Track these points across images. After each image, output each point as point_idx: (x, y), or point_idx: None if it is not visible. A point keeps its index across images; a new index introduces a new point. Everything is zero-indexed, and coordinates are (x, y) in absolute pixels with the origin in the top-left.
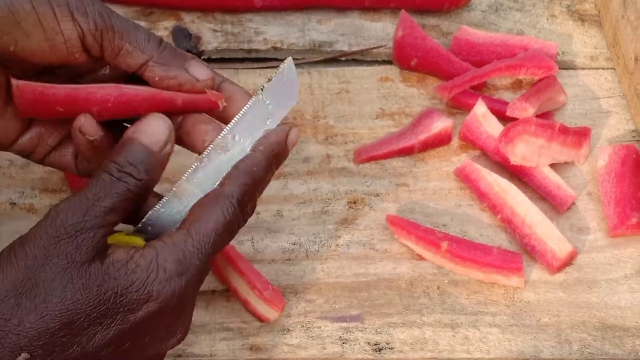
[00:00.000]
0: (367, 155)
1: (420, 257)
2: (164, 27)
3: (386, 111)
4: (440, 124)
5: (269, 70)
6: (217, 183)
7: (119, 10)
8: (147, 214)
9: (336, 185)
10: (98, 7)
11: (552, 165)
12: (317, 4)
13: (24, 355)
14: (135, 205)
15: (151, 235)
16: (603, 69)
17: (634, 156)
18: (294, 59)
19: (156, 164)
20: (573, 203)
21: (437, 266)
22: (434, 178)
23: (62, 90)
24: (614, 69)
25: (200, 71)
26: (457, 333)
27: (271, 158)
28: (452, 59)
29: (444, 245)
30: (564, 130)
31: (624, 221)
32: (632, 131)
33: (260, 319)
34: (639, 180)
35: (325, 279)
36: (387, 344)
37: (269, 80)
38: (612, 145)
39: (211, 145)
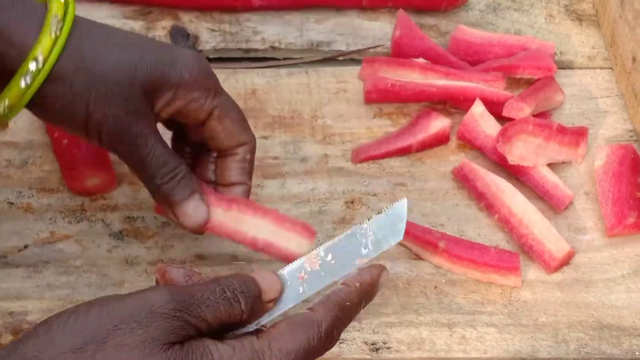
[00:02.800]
0: (364, 155)
1: (418, 257)
2: (161, 27)
3: (384, 111)
4: (438, 123)
5: (267, 69)
6: (299, 296)
7: (118, 10)
8: None
9: (334, 185)
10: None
11: (550, 165)
12: (315, 4)
13: None
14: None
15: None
16: (601, 68)
17: (632, 156)
18: (290, 58)
19: (257, 308)
20: (570, 203)
21: (435, 266)
22: (431, 178)
23: None
24: (612, 69)
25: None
26: (454, 333)
27: (363, 295)
28: (450, 58)
29: (442, 244)
30: (562, 130)
31: (621, 221)
32: (630, 131)
33: (287, 258)
34: (636, 179)
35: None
36: (384, 343)
37: (379, 212)
38: (610, 145)
39: (303, 258)
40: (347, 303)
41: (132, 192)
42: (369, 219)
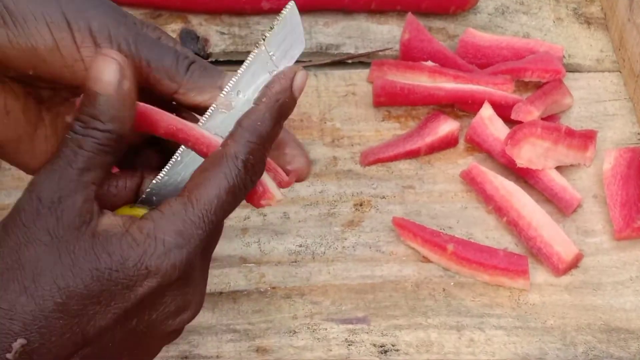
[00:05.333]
0: (373, 158)
1: (426, 260)
2: (171, 30)
3: (392, 114)
4: (447, 126)
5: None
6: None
7: None
8: (150, 184)
9: (342, 187)
10: (123, 31)
11: (558, 168)
12: (324, 7)
13: (20, 341)
14: (116, 157)
15: (156, 205)
16: (609, 71)
17: None
18: (299, 61)
19: (119, 107)
20: (579, 206)
21: (443, 268)
22: (440, 180)
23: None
24: (620, 72)
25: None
26: (462, 335)
27: (276, 110)
28: (459, 61)
29: (450, 247)
30: (570, 133)
31: (630, 224)
32: (638, 134)
33: (260, 199)
34: None
35: (332, 281)
36: (393, 346)
37: (271, 28)
38: (618, 148)
39: (213, 105)
40: (259, 123)
41: None
42: (263, 39)
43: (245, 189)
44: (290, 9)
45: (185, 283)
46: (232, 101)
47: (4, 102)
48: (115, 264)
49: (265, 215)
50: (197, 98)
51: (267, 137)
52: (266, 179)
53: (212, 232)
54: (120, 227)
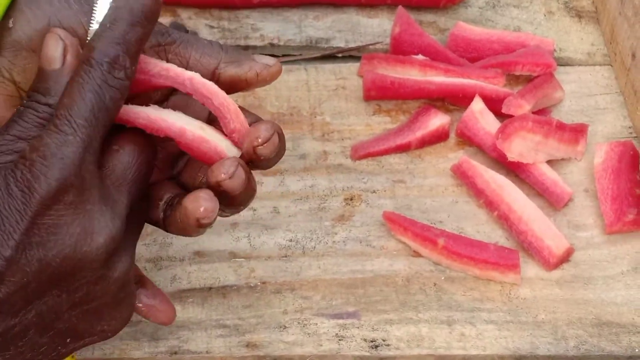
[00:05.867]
0: (364, 152)
1: (417, 254)
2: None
3: (383, 108)
4: (437, 120)
5: None
6: None
7: None
8: None
9: (333, 181)
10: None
11: (549, 162)
12: (314, 1)
13: None
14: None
15: None
16: (600, 65)
17: (631, 153)
18: (289, 55)
19: (60, 81)
20: (570, 200)
21: (434, 263)
22: (430, 175)
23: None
24: (611, 66)
25: (266, 58)
26: (453, 330)
27: (130, 9)
28: (449, 55)
29: (441, 241)
30: (561, 127)
31: (621, 218)
32: (629, 128)
33: (212, 159)
34: (635, 176)
35: (322, 276)
36: (384, 340)
37: None
38: (609, 142)
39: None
40: (108, 25)
41: None
42: None
43: (114, 89)
44: None
45: (82, 199)
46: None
47: None
48: (19, 175)
49: (255, 210)
50: (239, 69)
51: (124, 37)
52: (216, 138)
53: (98, 130)
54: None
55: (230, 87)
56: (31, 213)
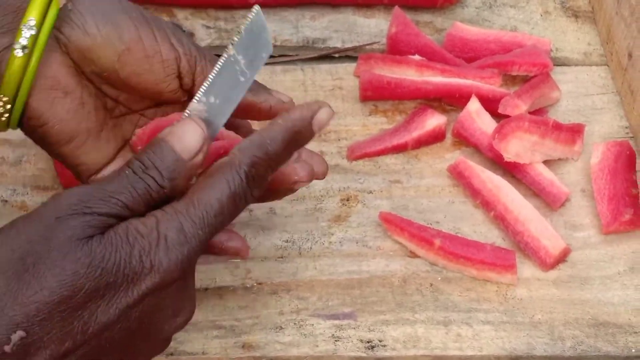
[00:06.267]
0: (360, 152)
1: (413, 254)
2: None
3: (379, 108)
4: (434, 121)
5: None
6: None
7: None
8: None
9: (329, 182)
10: (188, 39)
11: (546, 162)
12: (311, 1)
13: (20, 333)
14: (152, 209)
15: None
16: (597, 65)
17: (627, 153)
18: (285, 55)
19: (183, 173)
20: (566, 200)
21: (430, 263)
22: (427, 175)
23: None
24: (608, 66)
25: (282, 95)
26: (449, 330)
27: (290, 135)
28: (446, 55)
29: (437, 242)
30: (558, 127)
31: (617, 218)
32: (626, 127)
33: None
34: (632, 176)
35: (318, 277)
36: (380, 341)
37: (238, 33)
38: (606, 142)
39: (187, 111)
40: (269, 141)
41: None
42: (232, 45)
43: (245, 200)
44: (256, 13)
45: (183, 285)
46: (205, 106)
47: (80, 94)
48: (121, 257)
49: (251, 211)
50: (255, 98)
51: (274, 157)
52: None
53: (209, 235)
54: (126, 224)
55: (243, 112)
56: (138, 294)
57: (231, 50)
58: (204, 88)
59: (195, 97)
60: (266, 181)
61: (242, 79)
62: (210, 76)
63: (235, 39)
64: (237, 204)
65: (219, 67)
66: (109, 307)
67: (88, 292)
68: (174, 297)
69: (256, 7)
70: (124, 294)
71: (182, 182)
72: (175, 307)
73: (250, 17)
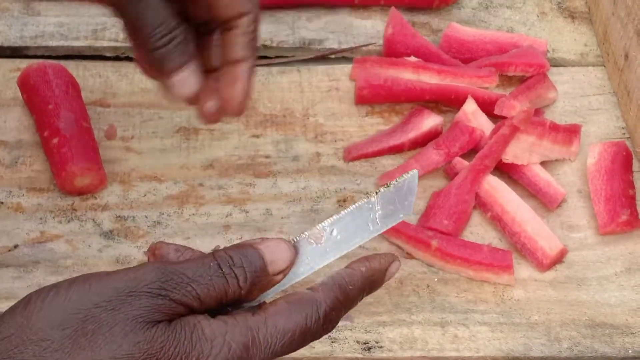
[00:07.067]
0: (356, 154)
1: (410, 256)
2: None
3: (376, 109)
4: (431, 121)
5: (259, 68)
6: (301, 273)
7: None
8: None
9: (326, 183)
10: None
11: (542, 163)
12: (307, 2)
13: None
14: (220, 307)
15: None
16: (593, 66)
17: (624, 153)
18: (282, 57)
19: (261, 283)
20: (563, 200)
21: (427, 264)
22: (424, 176)
23: None
24: (604, 66)
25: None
26: (446, 331)
27: (367, 282)
28: (442, 56)
29: (434, 243)
30: (555, 128)
31: (614, 219)
32: (622, 128)
33: None
34: (629, 177)
35: (315, 278)
36: (377, 342)
37: (387, 185)
38: (602, 143)
39: (305, 233)
40: (350, 287)
41: (123, 192)
42: (377, 193)
43: (314, 337)
44: (412, 175)
45: None
46: (324, 237)
47: None
48: (181, 351)
49: (247, 212)
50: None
51: (350, 301)
52: None
53: None
54: (194, 319)
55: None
56: None
57: (373, 197)
58: (331, 219)
59: (320, 224)
60: (336, 323)
61: (371, 227)
62: (344, 211)
63: (382, 189)
64: (306, 339)
65: (355, 207)
66: None
67: None
68: None
69: (414, 171)
70: None
71: (256, 292)
72: None
73: (405, 176)
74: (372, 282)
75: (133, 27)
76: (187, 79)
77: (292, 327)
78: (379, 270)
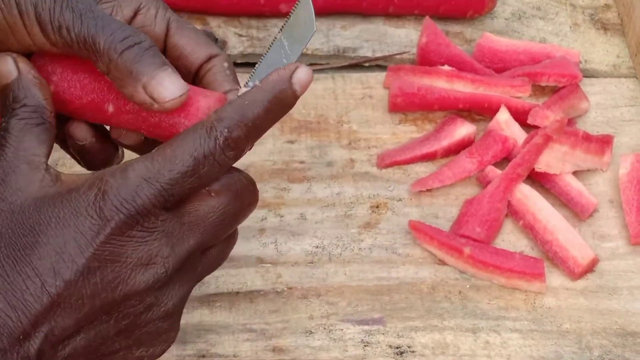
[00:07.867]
0: (390, 160)
1: (442, 262)
2: None
3: (409, 117)
4: (463, 130)
5: None
6: None
7: None
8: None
9: (359, 189)
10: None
11: (574, 173)
12: (342, 10)
13: None
14: (48, 130)
15: None
16: (625, 77)
17: None
18: (316, 64)
19: (24, 85)
20: (595, 210)
21: (459, 271)
22: (456, 184)
23: None
24: (636, 78)
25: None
26: (478, 338)
27: (271, 97)
28: (476, 65)
29: (467, 250)
30: (587, 138)
31: None
32: None
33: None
34: None
35: (348, 282)
36: (409, 347)
37: (287, 19)
38: (634, 153)
39: (236, 97)
40: (246, 103)
41: None
42: (280, 30)
43: (216, 164)
44: (304, 1)
45: (147, 232)
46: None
47: None
48: (92, 200)
49: (282, 217)
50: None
51: (253, 120)
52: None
53: (172, 195)
54: (85, 177)
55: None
56: (100, 240)
57: (279, 35)
58: (252, 73)
59: (244, 85)
60: (246, 146)
61: (285, 61)
62: (259, 62)
63: (284, 25)
64: (201, 165)
65: (266, 53)
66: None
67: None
68: (138, 242)
69: None
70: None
71: (31, 89)
72: (141, 255)
73: (298, 4)
74: (277, 95)
75: (91, 44)
76: (169, 77)
77: (180, 153)
78: (279, 80)
